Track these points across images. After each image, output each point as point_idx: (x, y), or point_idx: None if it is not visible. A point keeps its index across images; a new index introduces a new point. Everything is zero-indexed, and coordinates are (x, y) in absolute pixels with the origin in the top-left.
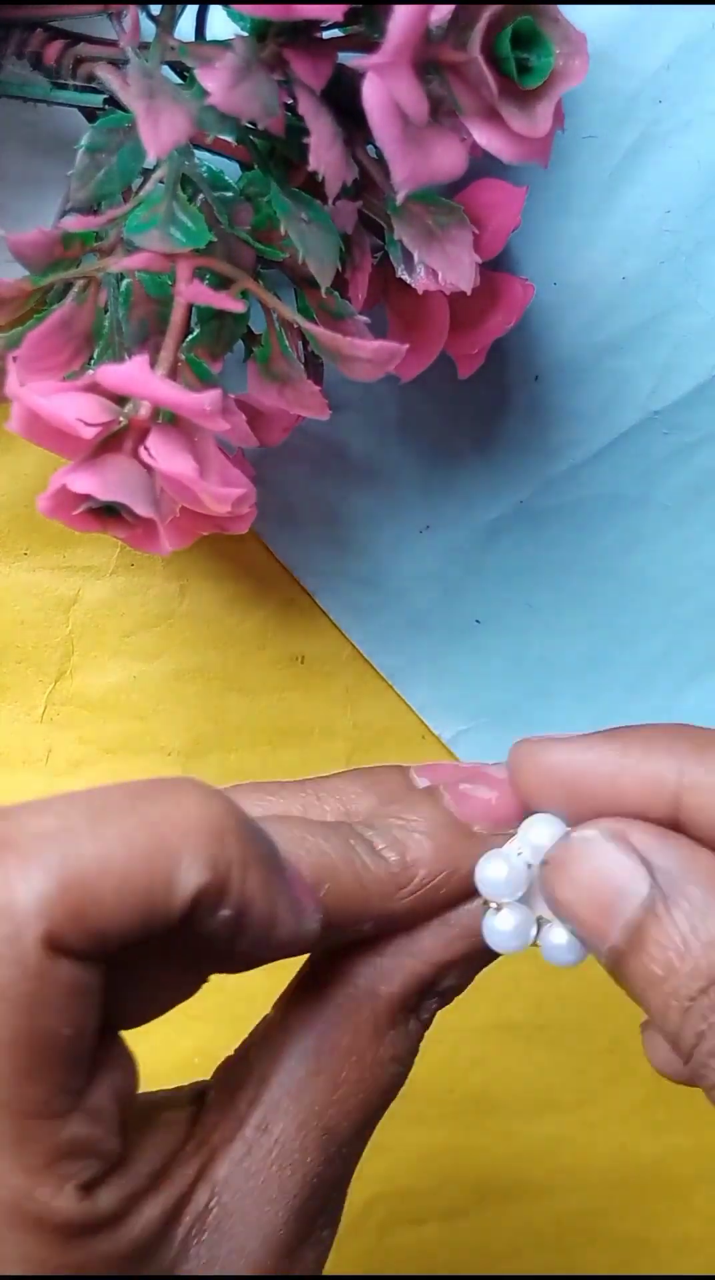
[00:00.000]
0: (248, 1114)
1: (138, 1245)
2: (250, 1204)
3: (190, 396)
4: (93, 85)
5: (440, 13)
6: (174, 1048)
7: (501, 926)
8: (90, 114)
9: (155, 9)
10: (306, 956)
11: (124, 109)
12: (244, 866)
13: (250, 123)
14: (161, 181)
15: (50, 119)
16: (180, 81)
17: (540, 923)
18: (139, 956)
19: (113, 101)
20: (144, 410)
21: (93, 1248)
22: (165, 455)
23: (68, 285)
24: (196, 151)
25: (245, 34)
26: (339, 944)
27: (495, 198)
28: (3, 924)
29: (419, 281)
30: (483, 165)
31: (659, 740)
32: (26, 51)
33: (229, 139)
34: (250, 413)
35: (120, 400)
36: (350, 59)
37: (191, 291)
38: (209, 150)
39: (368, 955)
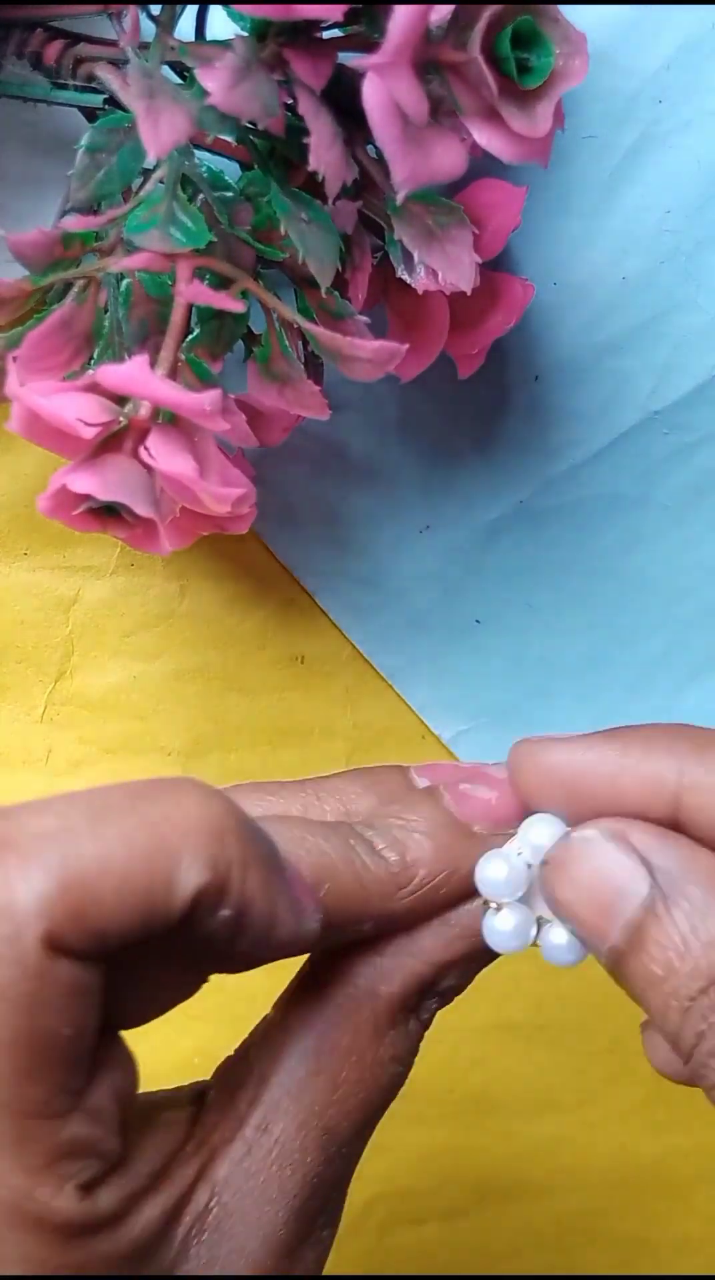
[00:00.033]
0: (248, 1114)
1: (138, 1245)
2: (250, 1204)
3: (190, 396)
4: (93, 85)
5: (440, 13)
6: (174, 1048)
7: (501, 926)
8: (90, 114)
9: (155, 9)
10: (306, 956)
11: (124, 109)
12: (244, 866)
13: (250, 123)
14: (161, 181)
15: (50, 119)
16: (180, 81)
17: (540, 923)
18: (139, 956)
19: (113, 101)
20: (144, 410)
21: (93, 1248)
22: (165, 455)
23: (68, 285)
24: (196, 151)
25: (245, 34)
26: (339, 944)
27: (495, 198)
28: (3, 924)
29: (419, 281)
30: (483, 165)
31: (659, 740)
32: (26, 51)
33: (229, 139)
34: (250, 413)
35: (120, 400)
36: (350, 59)
37: (191, 291)
38: (209, 150)
39: (368, 955)
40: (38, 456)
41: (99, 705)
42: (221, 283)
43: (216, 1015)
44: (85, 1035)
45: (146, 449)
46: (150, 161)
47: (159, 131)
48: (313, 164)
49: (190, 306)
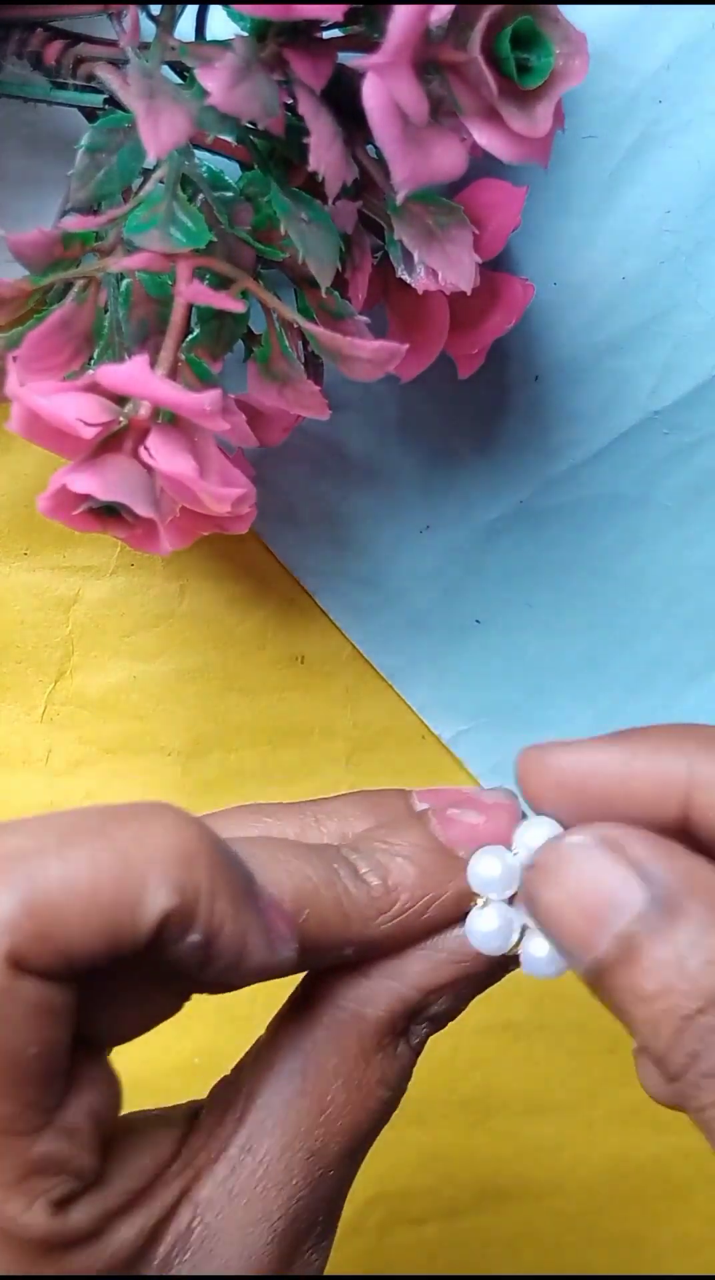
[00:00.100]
0: (233, 1134)
1: (114, 1263)
2: (234, 1225)
3: (190, 396)
4: (93, 85)
5: (440, 13)
6: (174, 1048)
7: (483, 926)
8: (90, 114)
9: (155, 9)
10: (301, 977)
11: (124, 109)
12: (213, 893)
13: (250, 123)
14: (161, 181)
15: (50, 119)
16: (180, 81)
17: (524, 931)
18: (116, 976)
19: (113, 101)
20: (144, 410)
21: (65, 1264)
22: (165, 455)
23: (68, 285)
24: (196, 151)
25: (245, 34)
26: (325, 966)
27: (495, 198)
28: None
29: (419, 281)
30: (483, 165)
31: (667, 740)
32: (26, 51)
33: (229, 139)
34: (250, 413)
35: (120, 400)
36: (350, 59)
37: (191, 291)
38: (209, 150)
39: (355, 978)
40: (38, 456)
41: (99, 705)
42: (221, 283)
43: (216, 1016)
44: (54, 1053)
45: (146, 449)
46: (150, 161)
47: (159, 131)
48: (313, 164)
49: (190, 306)
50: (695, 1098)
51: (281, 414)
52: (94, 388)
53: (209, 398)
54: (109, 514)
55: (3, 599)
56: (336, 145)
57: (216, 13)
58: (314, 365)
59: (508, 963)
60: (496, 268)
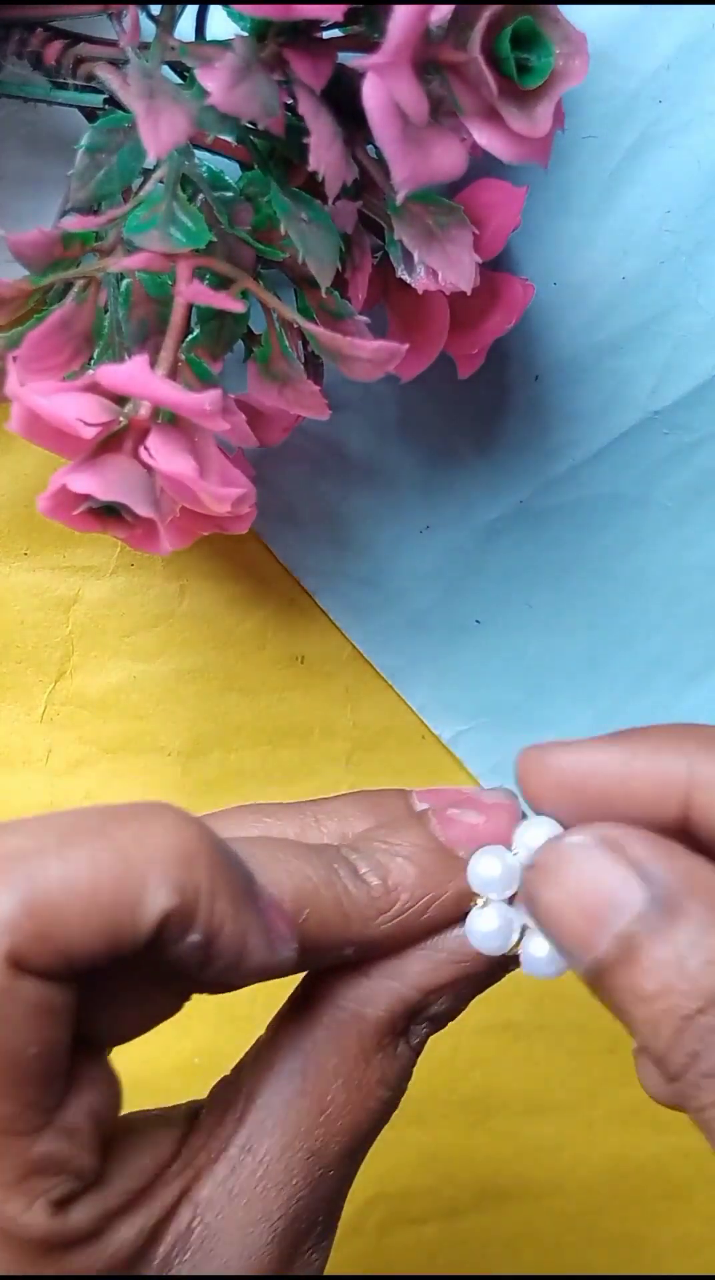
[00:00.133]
0: (233, 1134)
1: (114, 1263)
2: (233, 1225)
3: (190, 396)
4: (93, 85)
5: (440, 13)
6: (174, 1048)
7: (483, 926)
8: (90, 114)
9: (155, 9)
10: (301, 976)
11: (124, 109)
12: (213, 893)
13: (250, 123)
14: (161, 181)
15: (50, 119)
16: (180, 81)
17: (524, 931)
18: (116, 976)
19: (113, 101)
20: (144, 410)
21: (65, 1265)
22: (165, 455)
23: (68, 285)
24: (196, 151)
25: (245, 34)
26: (325, 966)
27: (495, 198)
28: None
29: (419, 281)
30: (483, 165)
31: (667, 740)
32: (26, 51)
33: (229, 139)
34: (250, 413)
35: (120, 400)
36: (350, 59)
37: (191, 291)
38: (209, 150)
39: (355, 977)
40: (38, 456)
41: (99, 705)
42: (221, 283)
43: (216, 1016)
44: (54, 1053)
45: (146, 449)
46: (150, 161)
47: (159, 131)
48: (313, 164)
49: (190, 306)
50: (695, 1098)
51: (281, 414)
52: (94, 388)
53: (209, 398)
54: (109, 514)
55: (3, 599)
56: (336, 145)
57: (216, 13)
58: (314, 365)
59: (508, 963)
60: (496, 268)
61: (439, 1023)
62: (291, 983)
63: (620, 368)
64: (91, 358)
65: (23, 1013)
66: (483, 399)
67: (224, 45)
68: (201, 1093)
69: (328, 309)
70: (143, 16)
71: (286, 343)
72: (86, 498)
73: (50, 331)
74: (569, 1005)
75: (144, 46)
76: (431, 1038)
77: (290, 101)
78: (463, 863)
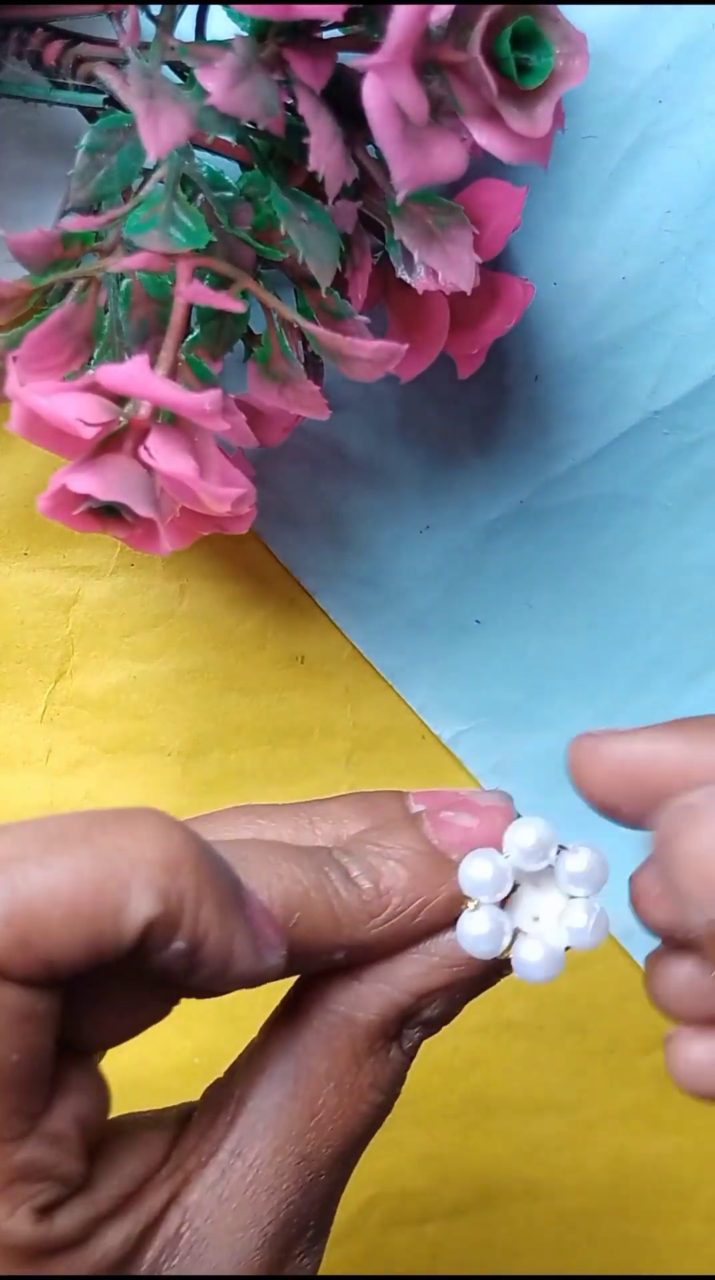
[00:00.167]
0: (224, 1137)
1: (100, 1269)
2: (222, 1230)
3: (190, 396)
4: (93, 85)
5: (440, 13)
6: (174, 1048)
7: (474, 929)
8: (90, 114)
9: (155, 9)
10: (294, 979)
11: (124, 109)
12: (198, 900)
13: (250, 123)
14: (161, 181)
15: (50, 119)
16: (180, 81)
17: (516, 935)
18: (102, 982)
19: (113, 101)
20: (144, 410)
21: (50, 1270)
22: (165, 455)
23: (68, 285)
24: (196, 151)
25: (245, 34)
26: (316, 970)
27: (495, 198)
28: None
29: (419, 281)
30: (483, 165)
31: None
32: (26, 51)
33: (229, 139)
34: (250, 413)
35: (120, 400)
36: (350, 59)
37: (191, 291)
38: (209, 150)
39: (347, 981)
40: (38, 456)
41: (99, 705)
42: (221, 283)
43: (216, 1016)
44: (37, 1060)
45: (146, 449)
46: (150, 161)
47: (159, 131)
48: (313, 164)
49: (190, 306)
50: None
51: (281, 414)
52: (94, 388)
53: (209, 398)
54: (109, 514)
55: (3, 599)
56: (336, 145)
57: (216, 13)
58: (314, 365)
59: (501, 968)
60: (496, 268)
61: (432, 1027)
62: (287, 983)
63: (620, 368)
64: (91, 358)
65: (4, 1020)
66: (483, 399)
67: (224, 45)
68: (201, 1093)
69: (328, 309)
70: (143, 16)
71: (286, 343)
72: (86, 498)
73: (50, 331)
74: (569, 1005)
75: (144, 46)
76: (430, 1038)
77: (290, 101)
78: (455, 866)
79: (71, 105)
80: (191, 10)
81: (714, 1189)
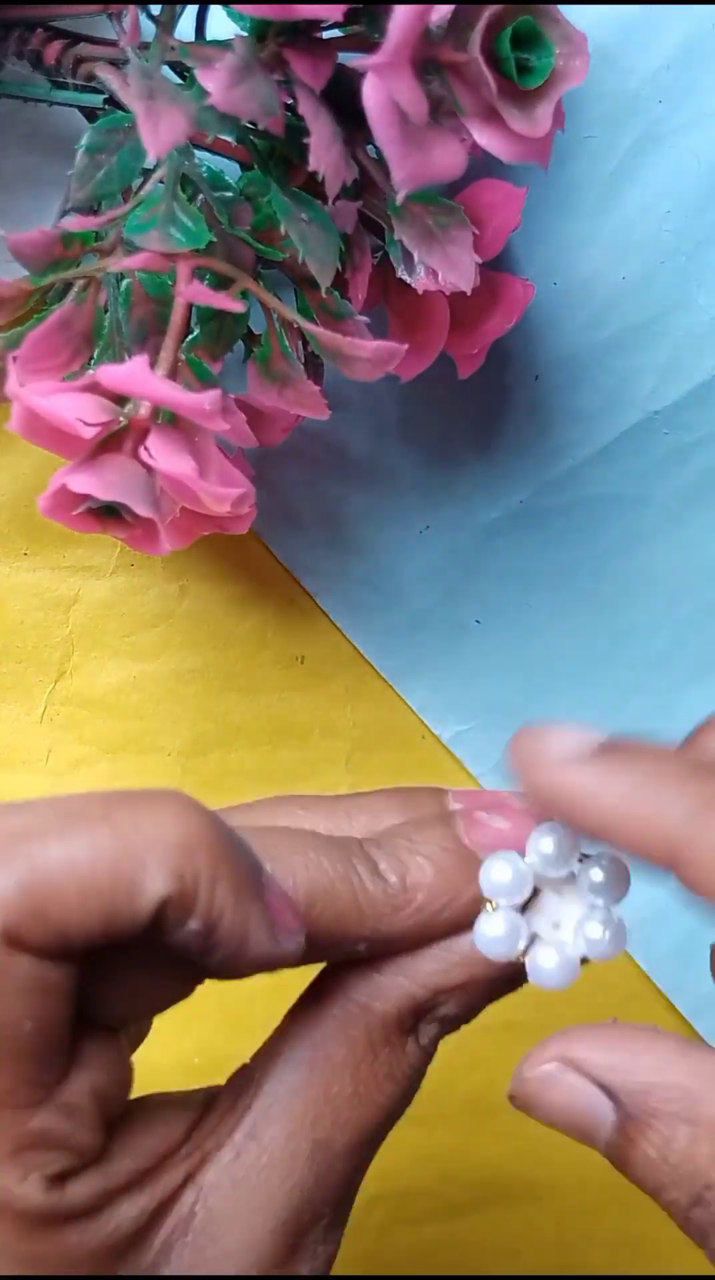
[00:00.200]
0: (240, 1120)
1: (111, 1241)
2: (235, 1211)
3: (190, 396)
4: (93, 85)
5: (440, 13)
6: (174, 1048)
7: (490, 931)
8: (90, 114)
9: (155, 9)
10: (317, 969)
11: (124, 109)
12: (213, 881)
13: (250, 123)
14: (161, 181)
15: (50, 119)
16: (180, 81)
17: (533, 939)
18: (122, 958)
19: (113, 101)
20: (144, 410)
21: (60, 1239)
22: (165, 455)
23: (68, 285)
24: (196, 151)
25: (245, 34)
26: (338, 960)
27: (495, 198)
28: None
29: (419, 281)
30: (483, 165)
31: (670, 783)
32: (26, 51)
33: (229, 139)
34: (250, 413)
35: (120, 400)
36: (350, 59)
37: (191, 291)
38: (209, 150)
39: (367, 971)
40: (38, 456)
41: (99, 705)
42: (221, 283)
43: (216, 1015)
44: (51, 1030)
45: (146, 449)
46: (150, 161)
47: (159, 131)
48: (313, 164)
49: (190, 306)
50: None
51: (281, 414)
52: (94, 388)
53: (209, 398)
54: (109, 514)
55: (3, 599)
56: (336, 145)
57: (216, 13)
58: (314, 365)
59: (520, 973)
60: (496, 268)
61: (449, 1025)
62: (296, 980)
63: (620, 368)
64: (91, 358)
65: (18, 988)
66: (483, 399)
67: (224, 45)
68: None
69: (328, 309)
70: (143, 16)
71: (286, 343)
72: (86, 498)
73: (50, 331)
74: (570, 1006)
75: (144, 46)
76: None
77: (290, 101)
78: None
79: (71, 105)
80: (191, 10)
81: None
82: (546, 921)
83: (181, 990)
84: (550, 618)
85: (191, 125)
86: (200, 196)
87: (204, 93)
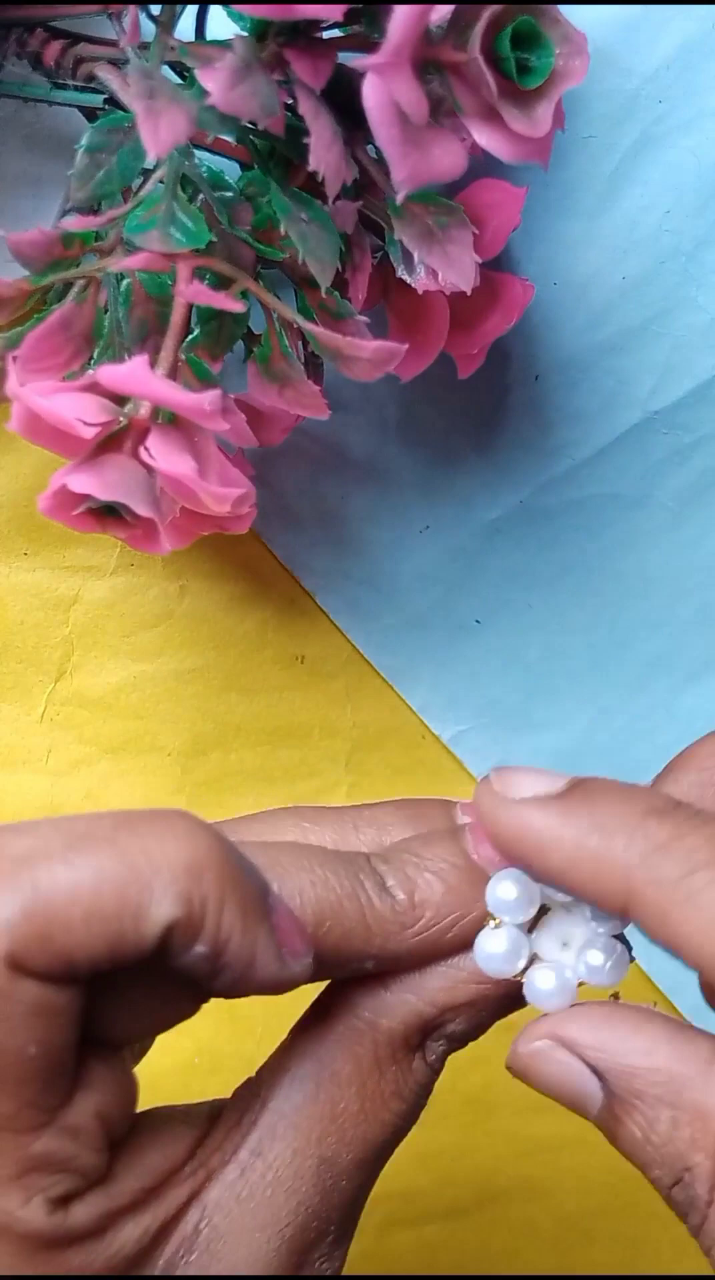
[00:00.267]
0: (246, 1137)
1: (116, 1263)
2: (240, 1229)
3: (190, 396)
4: (93, 85)
5: (440, 13)
6: (174, 1048)
7: (491, 948)
8: (90, 114)
9: (155, 9)
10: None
11: (124, 109)
12: (220, 905)
13: (250, 123)
14: (161, 181)
15: (50, 119)
16: (180, 81)
17: (533, 959)
18: (127, 979)
19: (113, 101)
20: (144, 410)
21: (64, 1261)
22: (165, 455)
23: (68, 285)
24: (196, 151)
25: (245, 34)
26: (345, 977)
27: (495, 198)
28: None
29: (419, 281)
30: (483, 165)
31: (626, 824)
32: (26, 51)
33: (229, 139)
34: (250, 413)
35: (120, 400)
36: (350, 59)
37: (191, 291)
38: (209, 150)
39: (373, 987)
40: (38, 456)
41: (99, 705)
42: (221, 283)
43: (217, 1015)
44: (55, 1054)
45: (146, 449)
46: (150, 161)
47: (159, 131)
48: (313, 164)
49: (190, 306)
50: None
51: (281, 414)
52: (94, 388)
53: (209, 398)
54: (109, 514)
55: (3, 599)
56: (336, 145)
57: (216, 13)
58: (314, 365)
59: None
60: (496, 268)
61: (456, 1042)
62: (302, 988)
63: (620, 368)
64: (91, 358)
65: (22, 1013)
66: (483, 399)
67: (224, 45)
68: (201, 1093)
69: (328, 309)
70: (143, 16)
71: (286, 343)
72: (86, 498)
73: (50, 331)
74: None
75: (144, 46)
76: None
77: (290, 101)
78: None
79: (71, 105)
80: (191, 10)
81: None
82: (555, 941)
83: (187, 1009)
84: (550, 617)
85: (191, 125)
86: (200, 196)
87: (204, 93)
